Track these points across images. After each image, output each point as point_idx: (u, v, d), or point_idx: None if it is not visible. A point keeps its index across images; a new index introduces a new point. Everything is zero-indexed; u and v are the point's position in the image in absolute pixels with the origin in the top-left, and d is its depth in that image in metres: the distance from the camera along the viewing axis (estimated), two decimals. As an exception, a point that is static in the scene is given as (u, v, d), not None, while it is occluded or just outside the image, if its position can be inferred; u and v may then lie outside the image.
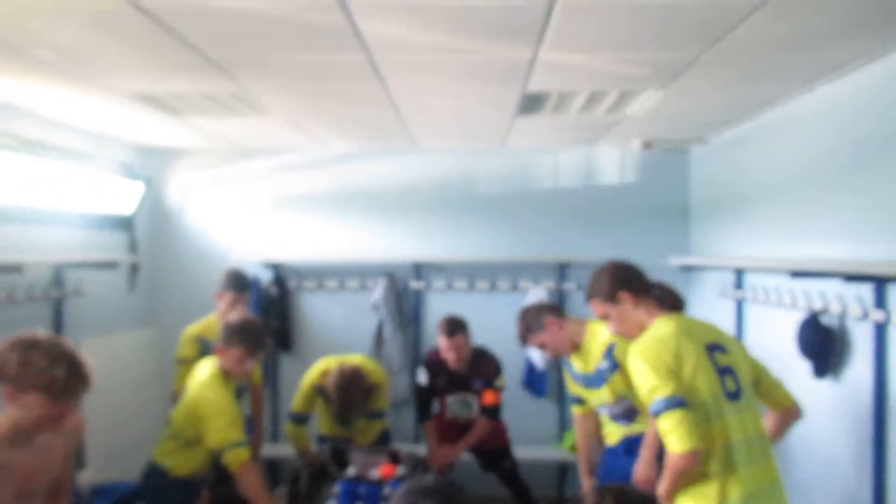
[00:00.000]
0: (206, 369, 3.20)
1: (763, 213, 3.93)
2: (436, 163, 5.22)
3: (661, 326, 2.37)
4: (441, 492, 1.79)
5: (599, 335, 3.17)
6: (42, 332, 2.08)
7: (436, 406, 4.18)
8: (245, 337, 3.13)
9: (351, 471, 2.71)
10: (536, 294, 4.98)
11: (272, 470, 5.10)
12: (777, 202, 3.76)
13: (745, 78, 3.18)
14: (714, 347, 2.33)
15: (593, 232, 5.13)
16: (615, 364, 3.09)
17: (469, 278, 5.16)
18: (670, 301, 3.13)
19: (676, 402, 2.15)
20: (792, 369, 3.27)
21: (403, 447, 4.02)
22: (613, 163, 5.16)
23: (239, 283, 3.97)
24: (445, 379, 4.06)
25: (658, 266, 4.92)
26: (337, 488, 2.73)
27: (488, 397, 4.00)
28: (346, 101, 3.64)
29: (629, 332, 2.49)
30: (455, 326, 3.91)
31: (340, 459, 3.38)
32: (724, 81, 3.23)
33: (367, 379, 3.76)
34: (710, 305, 4.68)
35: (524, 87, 3.29)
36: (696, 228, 5.00)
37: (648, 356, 2.25)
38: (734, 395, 2.26)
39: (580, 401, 3.50)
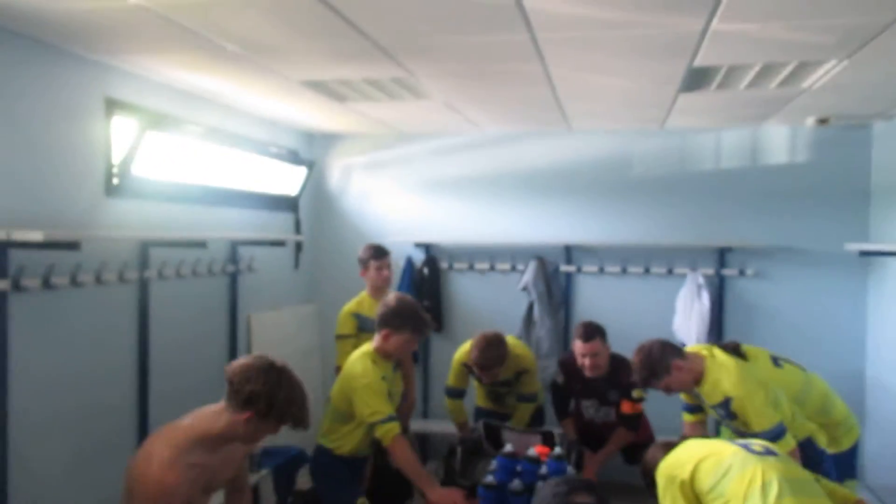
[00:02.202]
0: (359, 349, 3.32)
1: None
2: (590, 145, 5.13)
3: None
4: (598, 491, 1.77)
5: (719, 385, 3.04)
6: (276, 358, 2.23)
7: (573, 404, 4.12)
8: (410, 321, 3.18)
9: (509, 447, 2.75)
10: (694, 279, 4.81)
11: (423, 445, 5.25)
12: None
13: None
14: None
15: (758, 216, 4.87)
16: (732, 415, 3.03)
17: (622, 262, 5.06)
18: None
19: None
20: None
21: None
22: (782, 142, 4.84)
23: (376, 250, 4.20)
24: (580, 384, 3.95)
25: (830, 252, 4.70)
26: (494, 464, 2.78)
27: (626, 407, 3.84)
28: (504, 82, 3.65)
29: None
30: (592, 331, 3.74)
31: (495, 438, 3.40)
32: (921, 48, 2.94)
33: (507, 346, 3.76)
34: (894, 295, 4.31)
35: (691, 62, 3.16)
36: (879, 213, 4.60)
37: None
38: None
39: (692, 409, 3.43)
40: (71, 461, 3.17)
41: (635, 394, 3.75)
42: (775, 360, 3.50)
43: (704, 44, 2.87)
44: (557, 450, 2.75)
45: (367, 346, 3.28)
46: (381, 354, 3.24)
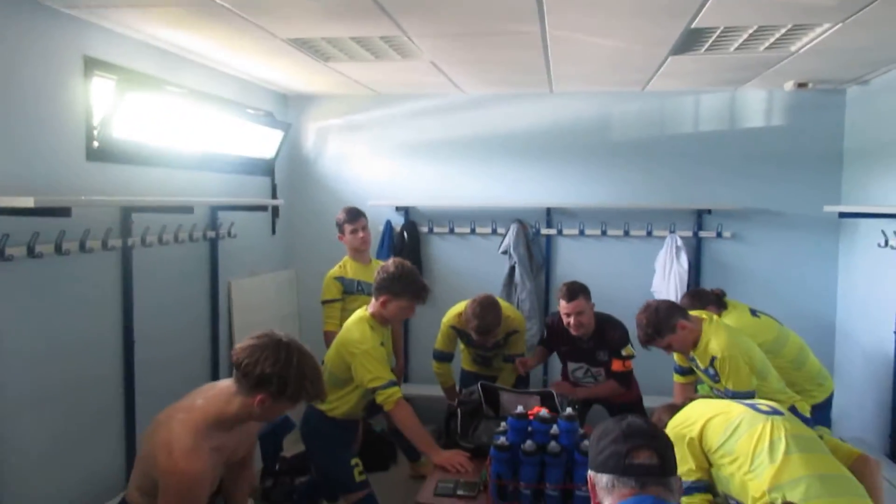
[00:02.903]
0: (355, 314, 3.28)
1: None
2: (570, 107, 5.11)
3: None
4: (659, 445, 1.69)
5: (708, 346, 3.15)
6: (282, 334, 2.12)
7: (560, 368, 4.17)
8: (409, 287, 3.15)
9: (520, 409, 2.76)
10: (672, 241, 4.88)
11: None
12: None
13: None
14: None
15: (735, 178, 4.94)
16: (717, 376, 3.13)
17: (602, 225, 5.09)
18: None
19: None
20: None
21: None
22: (760, 105, 4.90)
23: (349, 213, 4.21)
24: (568, 346, 3.98)
25: (805, 214, 4.83)
26: (504, 425, 2.78)
27: (616, 366, 3.87)
28: (496, 44, 3.59)
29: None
30: (576, 290, 3.75)
31: (492, 400, 3.42)
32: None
33: (501, 307, 3.76)
34: (865, 256, 4.46)
35: (690, 23, 3.14)
36: (851, 175, 4.71)
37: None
38: None
39: (684, 371, 3.51)
40: (56, 432, 3.09)
41: (624, 352, 3.84)
42: (753, 312, 3.74)
43: (708, 4, 2.85)
44: (569, 410, 2.76)
45: (364, 312, 3.24)
46: (379, 320, 3.21)
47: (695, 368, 3.40)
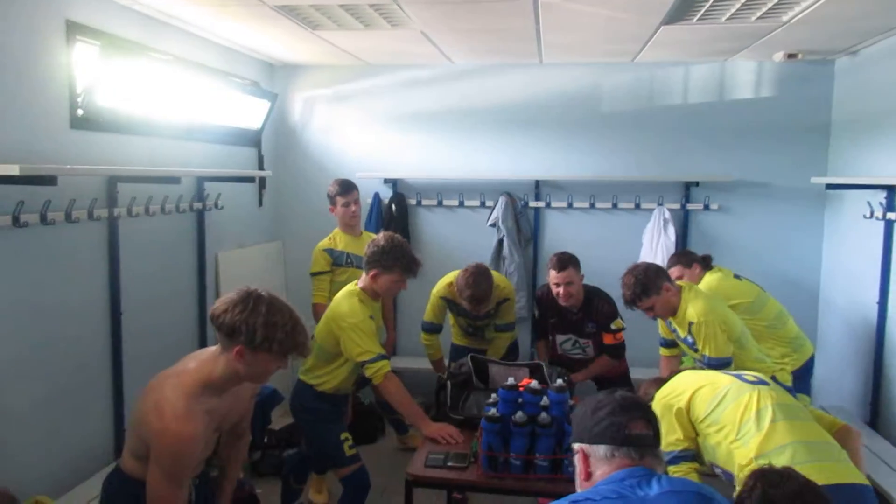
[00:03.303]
0: (345, 288, 3.26)
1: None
2: (560, 79, 5.08)
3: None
4: (654, 420, 1.73)
5: (686, 313, 3.24)
6: (260, 289, 2.08)
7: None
8: (400, 261, 3.13)
9: (511, 380, 2.77)
10: (660, 214, 4.89)
11: None
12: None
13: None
14: None
15: (723, 151, 4.95)
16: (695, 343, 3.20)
17: (590, 197, 5.09)
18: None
19: None
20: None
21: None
22: (749, 77, 4.90)
23: (341, 185, 4.16)
24: (557, 318, 3.98)
25: (791, 186, 4.86)
26: (495, 397, 2.78)
27: (608, 339, 3.88)
28: (488, 10, 3.53)
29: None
30: (566, 260, 3.76)
31: (482, 372, 3.42)
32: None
33: (492, 275, 3.77)
34: (851, 227, 4.50)
35: (685, -9, 3.11)
36: (837, 147, 4.74)
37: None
38: None
39: (669, 343, 3.59)
40: (44, 401, 3.07)
41: (614, 325, 3.84)
42: (737, 276, 3.95)
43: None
44: (559, 381, 2.77)
45: (354, 286, 3.22)
46: (369, 294, 3.19)
47: (677, 340, 3.45)
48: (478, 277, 3.66)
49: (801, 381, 3.81)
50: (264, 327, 2.00)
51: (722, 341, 3.14)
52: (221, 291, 4.49)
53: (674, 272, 3.88)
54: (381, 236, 3.24)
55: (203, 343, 4.34)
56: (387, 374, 3.05)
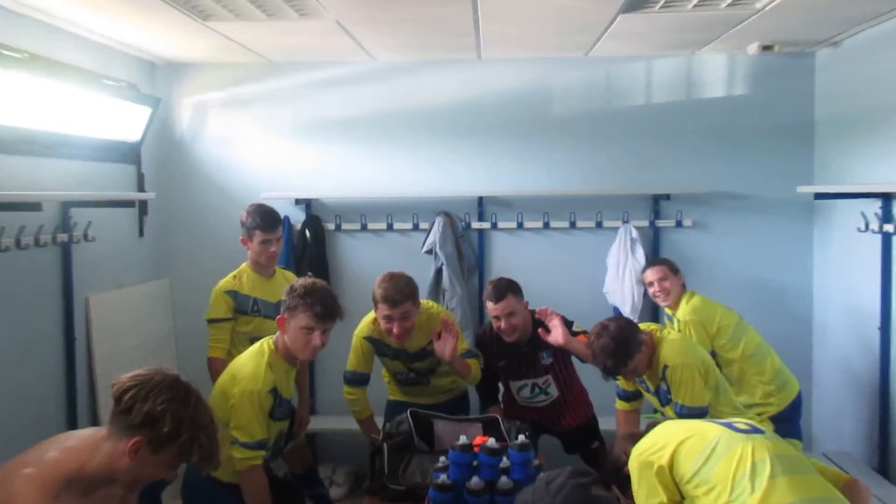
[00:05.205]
0: (256, 344, 3.20)
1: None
2: (503, 77, 5.17)
3: None
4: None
5: (660, 357, 3.32)
6: (172, 372, 2.05)
7: (501, 390, 4.12)
8: (306, 298, 3.05)
9: (463, 439, 2.75)
10: (626, 232, 5.00)
11: (311, 445, 5.14)
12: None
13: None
14: None
15: (696, 158, 5.12)
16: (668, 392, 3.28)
17: (543, 216, 5.15)
18: None
19: None
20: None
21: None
22: (721, 72, 5.10)
23: (266, 219, 3.97)
24: (506, 360, 3.96)
25: (775, 197, 5.05)
26: (443, 460, 2.77)
27: (581, 339, 3.73)
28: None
29: None
30: (503, 288, 3.78)
31: (425, 431, 3.40)
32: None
33: (416, 285, 3.77)
34: (843, 243, 4.68)
35: (645, -26, 3.21)
36: (823, 151, 4.96)
37: None
38: None
39: (628, 396, 3.65)
40: None
41: (575, 328, 3.83)
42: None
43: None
44: (521, 437, 2.77)
45: (267, 343, 3.17)
46: (282, 355, 3.15)
47: (643, 391, 3.51)
48: (393, 275, 3.68)
49: (789, 422, 3.95)
50: (191, 425, 1.97)
51: (699, 387, 3.21)
52: (94, 343, 4.35)
53: (655, 273, 4.21)
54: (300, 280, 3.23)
55: (72, 407, 4.16)
56: (255, 467, 3.03)
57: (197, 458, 2.03)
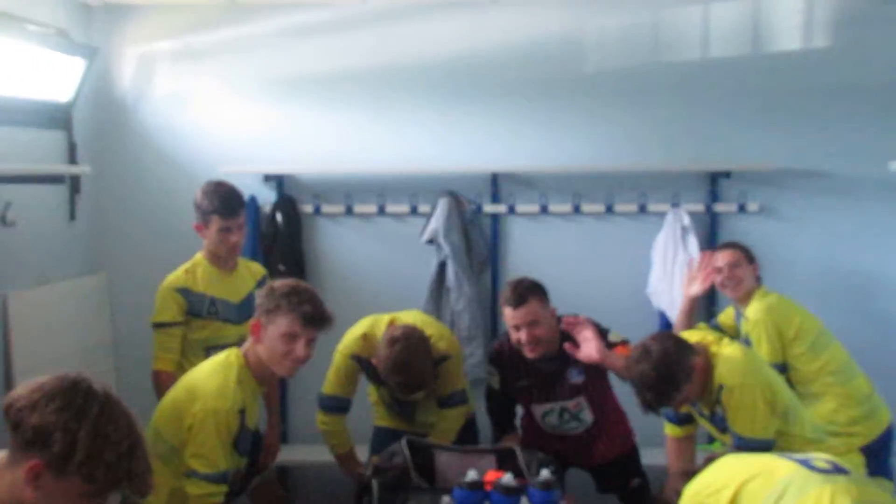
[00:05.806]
0: (222, 353, 3.14)
1: None
2: (523, 23, 4.97)
3: None
4: None
5: (715, 375, 3.24)
6: (92, 379, 1.91)
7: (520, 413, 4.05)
8: (288, 298, 3.01)
9: (472, 474, 2.79)
10: (676, 219, 4.84)
11: (281, 479, 5.04)
12: None
13: None
14: None
15: (763, 127, 4.91)
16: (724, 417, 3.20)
17: (573, 197, 4.98)
18: None
19: None
20: None
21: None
22: (797, 18, 4.88)
23: (226, 201, 3.87)
24: (527, 379, 3.84)
25: (865, 176, 4.92)
26: (447, 500, 2.75)
27: (621, 350, 3.66)
28: None
29: None
30: (524, 291, 3.63)
31: (425, 465, 3.36)
32: None
33: (429, 346, 3.68)
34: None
35: None
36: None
37: None
38: None
39: (681, 419, 3.55)
40: None
41: (612, 337, 3.71)
42: None
43: None
44: (545, 473, 2.76)
45: (235, 354, 3.09)
46: (253, 369, 3.08)
47: (697, 416, 3.43)
48: (410, 350, 3.55)
49: (877, 459, 3.83)
50: (90, 439, 1.81)
51: (761, 414, 3.09)
52: (13, 351, 4.27)
53: (727, 257, 4.15)
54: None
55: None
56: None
57: (112, 482, 1.89)
